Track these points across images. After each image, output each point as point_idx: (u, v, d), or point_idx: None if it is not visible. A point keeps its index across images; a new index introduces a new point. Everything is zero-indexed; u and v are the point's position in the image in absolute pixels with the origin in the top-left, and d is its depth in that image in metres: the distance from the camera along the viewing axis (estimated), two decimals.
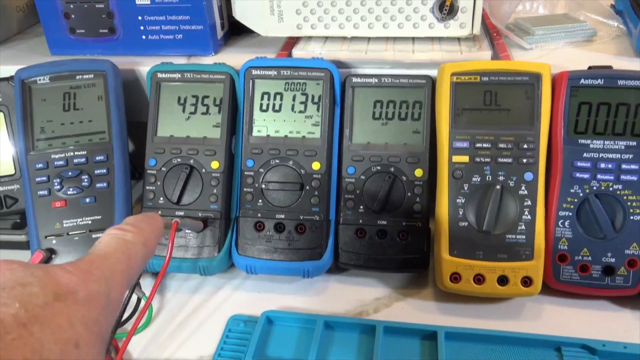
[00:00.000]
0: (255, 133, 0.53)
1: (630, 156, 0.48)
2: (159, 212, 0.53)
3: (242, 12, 0.59)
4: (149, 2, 0.58)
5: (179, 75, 0.54)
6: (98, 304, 0.23)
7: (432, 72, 0.53)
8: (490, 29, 0.62)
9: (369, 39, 0.58)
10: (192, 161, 0.53)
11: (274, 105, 0.53)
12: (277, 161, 0.52)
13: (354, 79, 0.53)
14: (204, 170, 0.53)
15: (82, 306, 0.22)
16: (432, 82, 0.52)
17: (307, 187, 0.52)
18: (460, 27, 0.55)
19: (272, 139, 0.53)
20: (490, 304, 0.51)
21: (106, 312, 0.23)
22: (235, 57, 0.59)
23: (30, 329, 0.19)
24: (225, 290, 0.53)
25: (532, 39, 0.57)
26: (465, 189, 0.49)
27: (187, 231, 0.52)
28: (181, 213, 0.53)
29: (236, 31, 0.66)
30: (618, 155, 0.48)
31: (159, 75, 0.55)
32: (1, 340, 0.18)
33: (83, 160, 0.53)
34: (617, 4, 0.63)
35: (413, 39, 0.58)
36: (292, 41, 0.61)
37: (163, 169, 0.53)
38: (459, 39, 0.57)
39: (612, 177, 0.48)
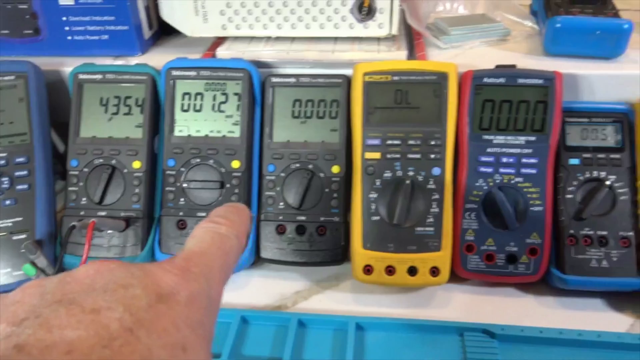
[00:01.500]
0: (176, 133, 0.54)
1: (530, 150, 0.50)
2: (82, 212, 0.54)
3: (168, 13, 0.60)
4: (72, 3, 0.59)
5: (101, 76, 0.55)
6: (201, 304, 0.22)
7: (351, 72, 0.55)
8: (413, 29, 0.64)
9: (292, 38, 0.60)
10: (114, 161, 0.54)
11: (194, 105, 0.54)
12: (197, 160, 0.53)
13: (273, 79, 0.55)
14: (125, 170, 0.54)
15: (186, 307, 0.21)
16: (348, 82, 0.54)
17: (228, 185, 0.53)
18: (379, 27, 0.57)
19: (192, 139, 0.54)
20: (404, 293, 0.53)
21: (208, 312, 0.22)
22: (163, 57, 0.59)
23: (136, 333, 0.18)
24: None
25: (448, 39, 0.59)
26: (378, 184, 0.51)
27: (109, 231, 0.53)
28: (104, 213, 0.54)
29: (167, 31, 0.67)
30: (519, 150, 0.50)
31: (81, 76, 0.55)
32: (109, 347, 0.17)
33: (3, 162, 0.53)
34: (533, 4, 0.66)
35: (335, 39, 0.59)
36: (220, 41, 0.62)
37: (85, 169, 0.54)
38: (378, 39, 0.59)
39: (513, 171, 0.50)
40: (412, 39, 0.62)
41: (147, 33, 0.62)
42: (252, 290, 0.54)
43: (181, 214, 0.53)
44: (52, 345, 0.16)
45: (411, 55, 0.58)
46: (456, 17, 0.63)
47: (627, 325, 0.49)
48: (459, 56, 0.58)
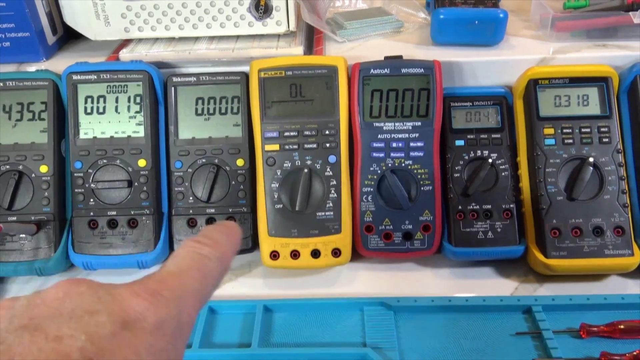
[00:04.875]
0: (82, 136, 0.55)
1: (417, 135, 0.54)
2: None
3: (71, 17, 0.61)
4: None
5: (1, 84, 0.55)
6: (167, 331, 0.22)
7: None
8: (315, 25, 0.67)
9: (195, 38, 0.62)
10: (20, 167, 0.55)
11: (97, 107, 0.55)
12: (104, 161, 0.55)
13: (175, 79, 0.57)
14: (33, 175, 0.55)
15: (150, 335, 0.21)
16: (246, 78, 0.57)
17: (136, 184, 0.55)
18: (277, 24, 0.59)
19: (98, 141, 0.55)
20: (312, 275, 0.56)
21: (175, 338, 0.22)
22: (69, 62, 0.60)
23: None
24: None
25: (345, 33, 0.62)
26: (278, 174, 0.54)
27: (21, 235, 0.54)
28: (14, 218, 0.54)
29: (75, 35, 0.67)
30: (406, 135, 0.54)
31: None
32: None
33: None
34: None
35: (237, 37, 0.62)
36: (125, 43, 0.63)
37: None
38: (279, 36, 0.62)
39: (402, 155, 0.54)
40: (312, 35, 0.65)
41: (50, 38, 0.63)
42: None
43: (92, 214, 0.55)
44: None
45: (309, 50, 0.61)
46: (352, 11, 0.66)
47: (512, 289, 0.54)
48: (355, 49, 0.61)
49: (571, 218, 0.53)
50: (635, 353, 0.45)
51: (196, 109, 0.57)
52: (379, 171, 0.54)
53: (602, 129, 0.54)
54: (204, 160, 0.56)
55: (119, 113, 0.55)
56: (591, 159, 0.53)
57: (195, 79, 0.56)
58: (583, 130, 0.54)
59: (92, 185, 0.55)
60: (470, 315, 0.51)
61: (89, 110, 0.55)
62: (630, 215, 0.52)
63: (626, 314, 0.49)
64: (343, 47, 0.62)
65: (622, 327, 0.47)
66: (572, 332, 0.48)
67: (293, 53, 0.58)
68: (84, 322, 0.20)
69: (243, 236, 0.56)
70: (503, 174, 0.55)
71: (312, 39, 0.65)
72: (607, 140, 0.54)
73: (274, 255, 0.53)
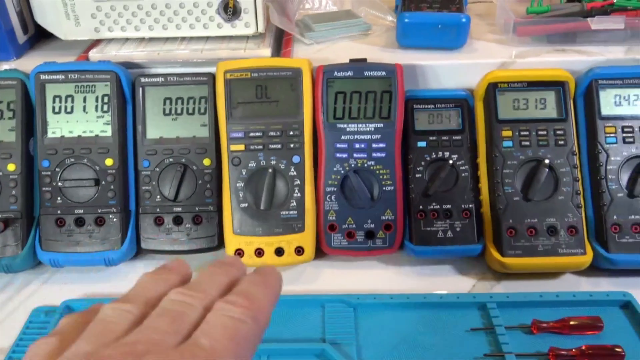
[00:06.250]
0: (49, 135, 0.56)
1: (379, 136, 0.56)
2: None
3: (41, 17, 0.61)
4: None
5: None
6: None
7: None
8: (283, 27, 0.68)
9: (165, 39, 0.63)
10: None
11: (65, 107, 0.56)
12: (72, 160, 0.56)
13: (143, 79, 0.57)
14: (1, 173, 0.55)
15: None
16: (214, 79, 0.58)
17: (103, 182, 0.56)
18: (245, 26, 0.60)
19: (66, 140, 0.56)
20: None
21: None
22: (40, 61, 0.61)
23: None
24: (33, 285, 0.56)
25: (313, 35, 0.64)
26: (243, 174, 0.55)
27: None
28: None
29: (46, 34, 0.67)
30: (369, 136, 0.56)
31: None
32: None
33: None
34: (396, 0, 0.71)
35: (206, 38, 0.63)
36: (96, 43, 0.64)
37: None
38: (247, 37, 0.63)
39: (365, 155, 0.56)
40: (282, 36, 0.66)
41: (21, 37, 0.63)
42: (134, 281, 0.57)
43: (59, 212, 0.56)
44: None
45: (277, 52, 0.62)
46: (321, 14, 0.67)
47: (469, 286, 0.56)
48: (322, 51, 0.63)
49: (527, 218, 0.54)
50: (582, 348, 0.46)
51: (164, 109, 0.58)
52: (342, 171, 0.56)
53: (558, 132, 0.56)
54: (171, 160, 0.57)
55: (86, 113, 0.56)
56: (547, 161, 0.55)
57: (163, 79, 0.57)
58: (540, 132, 0.56)
59: (59, 183, 0.55)
60: (427, 311, 0.52)
61: (57, 110, 0.56)
62: (583, 215, 0.54)
63: (576, 310, 0.51)
64: (311, 49, 0.63)
65: (571, 323, 0.49)
66: (524, 328, 0.50)
67: (261, 54, 0.59)
68: None
69: (210, 235, 0.57)
70: (463, 174, 0.57)
71: (281, 40, 0.66)
72: (562, 142, 0.55)
73: (239, 253, 0.55)
